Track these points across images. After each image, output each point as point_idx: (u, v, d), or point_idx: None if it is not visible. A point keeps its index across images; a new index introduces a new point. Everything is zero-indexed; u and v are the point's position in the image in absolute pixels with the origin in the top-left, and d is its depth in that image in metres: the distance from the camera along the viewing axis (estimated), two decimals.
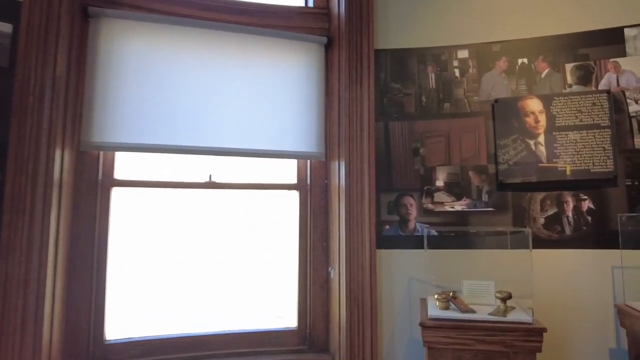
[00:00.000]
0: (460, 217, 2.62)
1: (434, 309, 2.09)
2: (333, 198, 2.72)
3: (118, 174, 2.57)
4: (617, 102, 2.52)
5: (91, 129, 2.42)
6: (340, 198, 2.63)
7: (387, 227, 2.67)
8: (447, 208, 2.63)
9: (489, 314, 1.99)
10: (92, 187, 2.45)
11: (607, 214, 2.46)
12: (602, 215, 2.46)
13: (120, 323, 2.53)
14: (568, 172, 2.49)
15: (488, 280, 2.24)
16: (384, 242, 2.65)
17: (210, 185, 2.70)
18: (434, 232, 2.62)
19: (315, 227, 2.78)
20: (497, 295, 2.04)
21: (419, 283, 2.56)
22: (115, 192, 2.56)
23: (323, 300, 2.75)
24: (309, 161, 2.84)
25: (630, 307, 2.20)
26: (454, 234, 2.60)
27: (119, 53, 2.50)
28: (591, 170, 2.46)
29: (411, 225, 2.66)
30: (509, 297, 2.01)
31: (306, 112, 2.78)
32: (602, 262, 2.44)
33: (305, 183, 2.85)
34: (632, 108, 2.51)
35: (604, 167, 2.45)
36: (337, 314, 2.60)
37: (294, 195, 2.85)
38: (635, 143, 2.48)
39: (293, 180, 2.87)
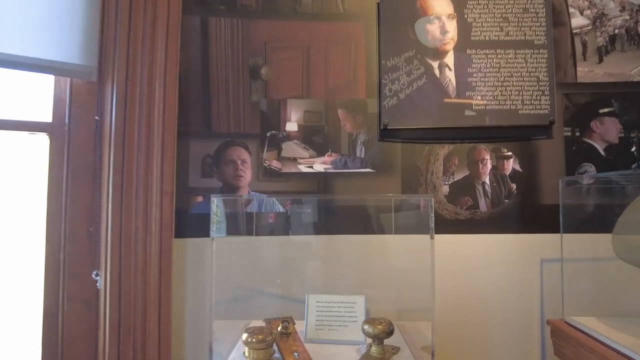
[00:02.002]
0: (322, 182, 1.58)
1: None
2: (104, 149, 1.51)
3: None
4: (555, 12, 1.64)
5: None
6: (110, 148, 1.43)
7: (200, 199, 1.54)
8: (303, 167, 1.57)
9: None
10: None
11: (538, 179, 1.59)
12: (531, 181, 1.59)
13: None
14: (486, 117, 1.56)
15: (353, 295, 1.22)
16: (192, 225, 1.53)
17: None
18: (279, 207, 1.55)
19: (75, 200, 1.55)
20: (367, 328, 1.02)
21: (250, 297, 1.49)
22: None
23: (88, 327, 1.54)
24: (68, 83, 1.58)
25: (572, 326, 1.34)
26: (311, 210, 1.55)
27: None
28: (520, 112, 1.57)
29: (243, 194, 1.56)
30: (388, 332, 1.01)
31: None
32: (528, 253, 1.57)
33: (63, 121, 1.58)
34: (576, 22, 1.65)
35: (537, 107, 1.56)
36: (102, 353, 1.43)
37: (43, 142, 1.58)
38: (579, 74, 1.62)
39: (45, 116, 1.60)
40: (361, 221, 1.56)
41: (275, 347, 1.06)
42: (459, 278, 1.57)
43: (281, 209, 1.55)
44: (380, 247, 1.53)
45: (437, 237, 1.49)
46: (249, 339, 1.00)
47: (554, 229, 1.54)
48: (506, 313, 1.55)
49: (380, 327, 1.02)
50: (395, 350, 1.09)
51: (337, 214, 1.56)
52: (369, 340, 1.07)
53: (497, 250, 1.58)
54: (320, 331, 1.19)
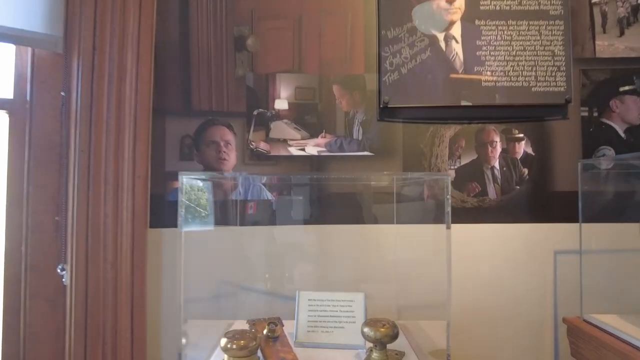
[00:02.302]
0: (316, 167, 1.42)
1: None
2: (71, 129, 1.34)
3: None
4: None
5: None
6: (76, 126, 1.26)
7: (178, 184, 1.37)
8: (294, 150, 1.42)
9: None
10: None
11: (552, 163, 1.44)
12: (544, 166, 1.44)
13: None
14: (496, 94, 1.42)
15: (351, 292, 1.07)
16: (169, 213, 1.36)
17: None
18: (267, 194, 1.39)
19: (38, 186, 1.39)
20: (367, 331, 0.87)
21: (233, 294, 1.34)
22: None
23: (54, 328, 1.39)
24: (30, 54, 1.41)
25: (593, 324, 1.21)
26: (302, 197, 1.40)
27: None
28: (533, 89, 1.42)
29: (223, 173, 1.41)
30: (392, 336, 0.86)
31: None
32: (541, 244, 1.43)
33: (25, 98, 1.41)
34: None
35: (552, 84, 1.42)
36: (69, 357, 1.28)
37: (3, 120, 1.42)
38: (598, 48, 1.47)
39: (5, 92, 1.43)
40: (359, 209, 1.40)
41: (259, 353, 0.91)
42: (464, 271, 1.43)
43: (269, 196, 1.39)
44: (380, 238, 1.38)
45: (441, 226, 1.35)
46: (229, 345, 0.84)
47: (570, 218, 1.42)
48: (516, 310, 1.42)
49: (383, 330, 0.87)
50: (400, 355, 0.95)
51: (332, 201, 1.41)
52: (370, 345, 0.93)
53: (507, 241, 1.44)
54: (313, 334, 1.04)
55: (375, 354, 0.89)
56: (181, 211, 0.86)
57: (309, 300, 1.08)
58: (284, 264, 1.35)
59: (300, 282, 1.28)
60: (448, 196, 0.83)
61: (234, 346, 0.84)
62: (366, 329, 0.89)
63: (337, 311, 1.06)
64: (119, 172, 1.26)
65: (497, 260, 1.43)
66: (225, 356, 0.86)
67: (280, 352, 0.91)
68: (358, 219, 1.40)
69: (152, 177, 1.33)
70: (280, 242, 1.37)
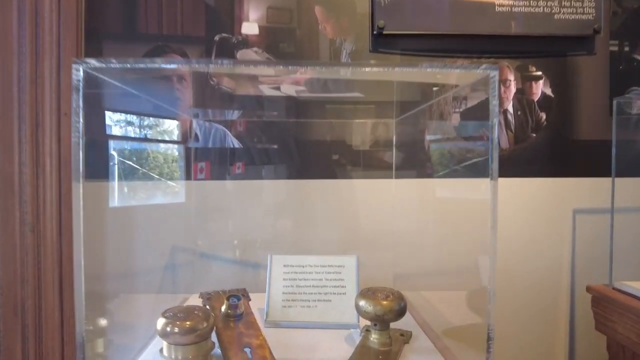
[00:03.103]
0: (294, 110, 1.15)
1: None
2: None
3: None
4: None
5: None
6: None
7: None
8: (266, 89, 1.14)
9: None
10: None
11: (575, 107, 1.22)
12: (565, 109, 1.22)
13: None
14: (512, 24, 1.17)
15: (339, 256, 0.83)
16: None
17: None
18: (232, 140, 1.12)
19: None
20: (364, 304, 0.63)
21: (189, 262, 1.08)
22: None
23: None
24: None
25: (628, 294, 1.01)
26: (280, 149, 1.14)
27: None
28: (555, 17, 1.17)
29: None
30: (398, 311, 0.62)
31: None
32: (558, 201, 1.22)
33: None
34: None
35: (579, 10, 1.17)
36: None
37: None
38: None
39: None
40: (348, 158, 1.15)
41: (215, 338, 0.66)
42: (468, 232, 1.20)
43: (236, 144, 1.12)
44: (374, 194, 1.14)
45: (444, 181, 1.12)
46: (169, 328, 0.59)
47: (592, 172, 1.21)
48: (527, 276, 1.22)
49: (385, 303, 0.63)
50: (406, 337, 0.72)
51: (314, 148, 1.15)
52: (366, 323, 0.69)
53: (519, 197, 1.22)
54: (290, 310, 0.80)
55: (374, 336, 0.65)
56: (76, 127, 0.58)
57: (284, 266, 0.83)
58: (254, 223, 1.09)
59: (274, 245, 1.04)
60: (495, 102, 0.57)
61: (176, 329, 0.59)
62: (362, 302, 0.65)
63: (321, 279, 0.82)
64: (38, 108, 0.97)
65: (507, 219, 1.21)
66: (165, 343, 0.61)
67: (244, 336, 0.67)
68: (347, 172, 1.15)
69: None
70: (248, 199, 1.11)
